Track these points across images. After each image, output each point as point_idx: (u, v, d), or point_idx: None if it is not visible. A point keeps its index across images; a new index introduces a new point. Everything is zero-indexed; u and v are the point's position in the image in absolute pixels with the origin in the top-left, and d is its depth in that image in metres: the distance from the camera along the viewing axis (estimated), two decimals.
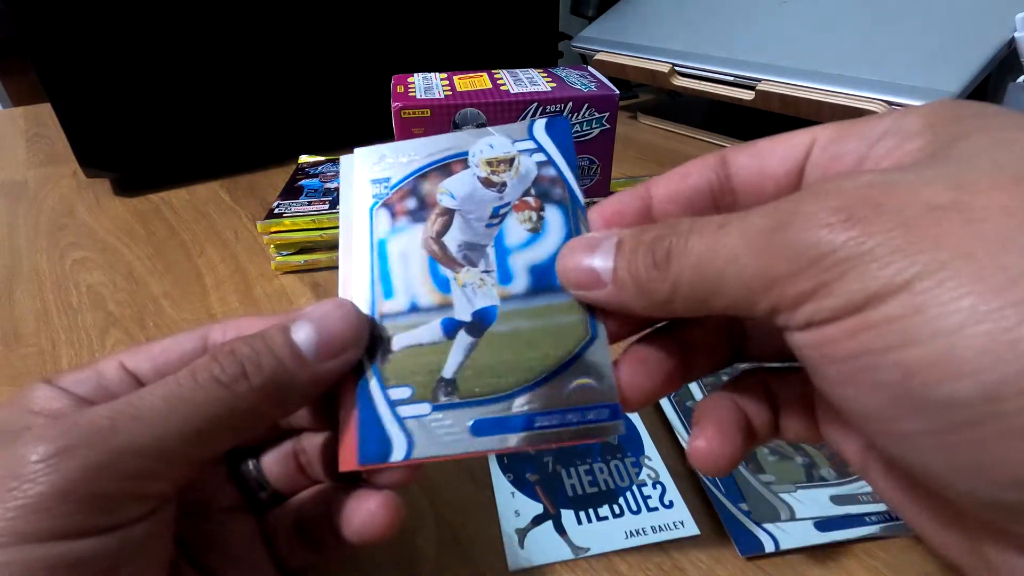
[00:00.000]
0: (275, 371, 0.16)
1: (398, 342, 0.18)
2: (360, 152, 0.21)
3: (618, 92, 0.41)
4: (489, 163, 0.19)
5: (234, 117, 0.57)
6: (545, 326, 0.18)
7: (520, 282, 0.18)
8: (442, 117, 0.39)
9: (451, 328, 0.18)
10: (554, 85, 0.41)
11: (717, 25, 0.61)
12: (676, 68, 0.61)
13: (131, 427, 0.14)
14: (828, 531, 0.23)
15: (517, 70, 0.45)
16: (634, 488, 0.26)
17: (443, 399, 0.17)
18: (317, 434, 0.21)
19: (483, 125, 0.40)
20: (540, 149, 0.20)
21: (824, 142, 0.16)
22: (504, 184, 0.19)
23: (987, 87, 0.46)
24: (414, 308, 0.18)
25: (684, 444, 0.28)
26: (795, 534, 0.23)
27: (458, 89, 0.41)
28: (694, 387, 0.30)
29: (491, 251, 0.19)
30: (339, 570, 0.23)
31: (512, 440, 0.17)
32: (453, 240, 0.19)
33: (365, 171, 0.20)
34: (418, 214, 0.19)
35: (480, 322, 0.18)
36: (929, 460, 0.12)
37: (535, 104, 0.40)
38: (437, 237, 0.19)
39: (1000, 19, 0.44)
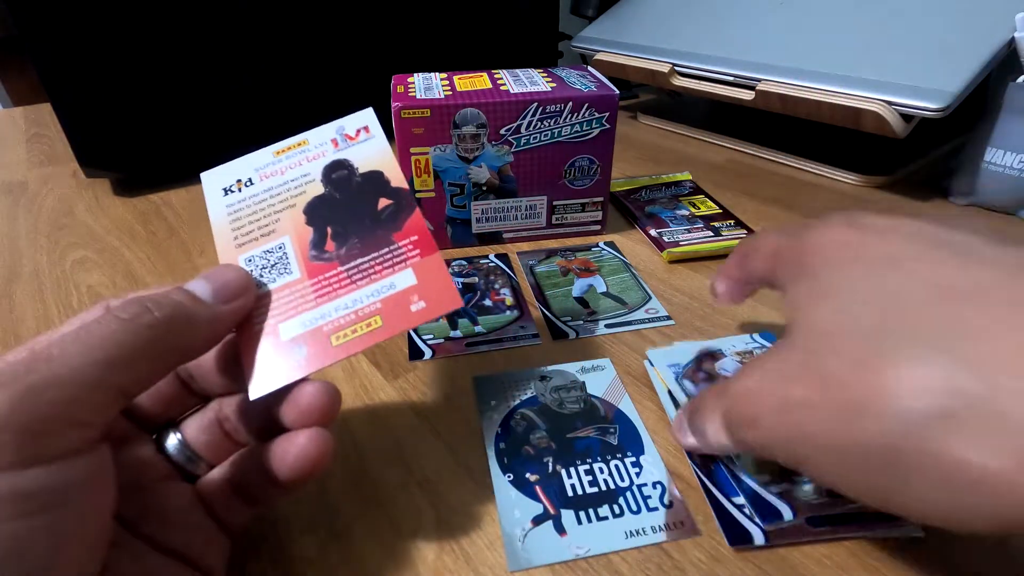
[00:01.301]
0: (176, 307, 0.19)
1: None
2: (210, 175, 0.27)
3: (618, 92, 0.41)
4: (739, 353, 0.32)
5: (234, 117, 0.57)
6: None
7: None
8: (442, 117, 0.39)
9: None
10: (554, 85, 0.41)
11: (717, 25, 0.61)
12: (676, 68, 0.61)
13: (46, 367, 0.15)
14: (820, 527, 0.24)
15: (517, 70, 0.45)
16: (634, 488, 0.26)
17: (795, 479, 0.25)
18: (234, 397, 0.23)
19: (483, 125, 0.40)
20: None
21: None
22: None
23: (987, 87, 0.46)
24: None
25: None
26: (786, 528, 0.24)
27: (458, 89, 0.41)
28: (683, 398, 0.30)
29: None
30: (339, 569, 0.23)
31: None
32: None
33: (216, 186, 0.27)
34: (709, 379, 0.31)
35: None
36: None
37: (535, 104, 0.40)
38: None
39: (1000, 19, 0.44)
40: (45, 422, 0.15)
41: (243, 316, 0.22)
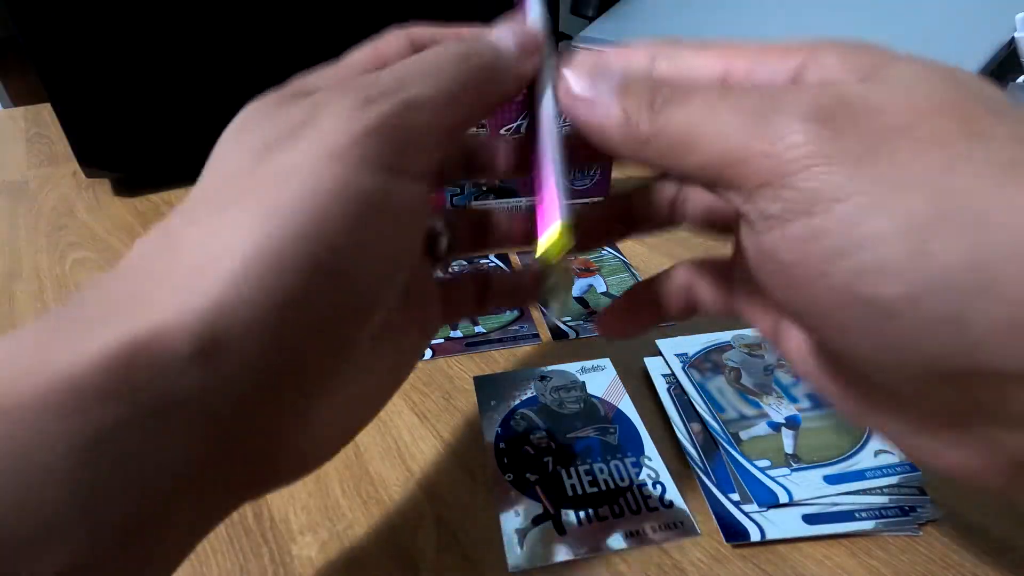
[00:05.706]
0: (497, 58, 0.19)
1: (745, 435, 0.28)
2: None
3: None
4: (747, 345, 0.33)
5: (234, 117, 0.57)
6: (837, 424, 0.28)
7: (804, 402, 0.29)
8: None
9: (775, 426, 0.28)
10: None
11: (717, 25, 0.61)
12: None
13: (416, 87, 0.16)
14: (816, 524, 0.24)
15: None
16: (634, 488, 0.26)
17: (795, 465, 0.26)
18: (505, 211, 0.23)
19: (483, 125, 0.40)
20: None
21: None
22: (763, 355, 0.32)
23: None
24: (742, 416, 0.29)
25: (684, 443, 0.28)
26: (783, 525, 0.24)
27: None
28: (689, 386, 0.30)
29: (774, 387, 0.30)
30: (339, 569, 0.23)
31: (855, 487, 0.25)
32: (747, 381, 0.31)
33: None
34: (716, 370, 0.31)
35: (793, 422, 0.28)
36: (857, 343, 0.14)
37: None
38: (736, 380, 0.31)
39: (1000, 19, 0.44)
40: (411, 136, 0.15)
41: (537, 70, 0.20)
